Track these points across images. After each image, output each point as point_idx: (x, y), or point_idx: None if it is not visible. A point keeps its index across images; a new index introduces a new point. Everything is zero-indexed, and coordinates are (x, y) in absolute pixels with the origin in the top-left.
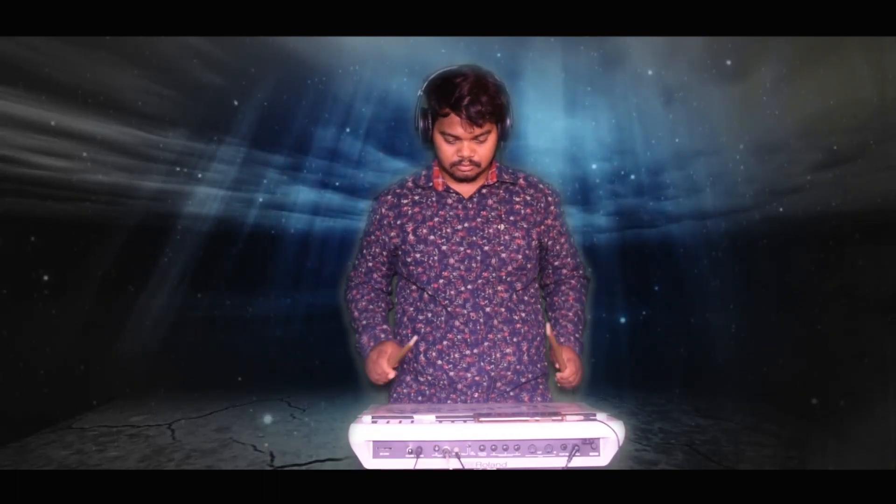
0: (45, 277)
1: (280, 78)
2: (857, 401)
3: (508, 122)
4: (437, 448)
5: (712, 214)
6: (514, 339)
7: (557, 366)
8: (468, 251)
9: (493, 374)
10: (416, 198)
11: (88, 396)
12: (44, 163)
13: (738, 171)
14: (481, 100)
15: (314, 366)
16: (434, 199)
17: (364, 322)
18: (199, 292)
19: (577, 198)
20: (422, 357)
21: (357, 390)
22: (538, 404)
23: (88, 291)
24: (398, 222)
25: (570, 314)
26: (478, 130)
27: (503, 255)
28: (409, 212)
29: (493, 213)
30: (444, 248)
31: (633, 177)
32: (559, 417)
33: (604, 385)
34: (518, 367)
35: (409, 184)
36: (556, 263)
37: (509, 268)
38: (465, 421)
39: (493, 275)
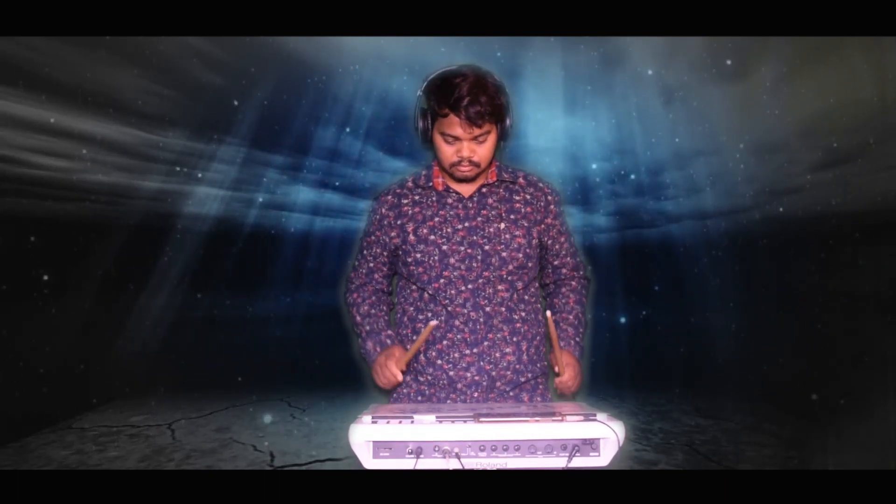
0: (45, 277)
1: (280, 78)
2: (857, 401)
3: (508, 122)
4: (437, 448)
5: (712, 214)
6: (514, 339)
7: (557, 370)
8: (469, 251)
9: (492, 373)
10: (417, 198)
11: (88, 396)
12: (44, 163)
13: (738, 171)
14: (481, 100)
15: (314, 366)
16: (434, 198)
17: (368, 328)
18: (199, 292)
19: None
20: (421, 357)
21: (357, 390)
22: (538, 404)
23: (88, 291)
24: (398, 222)
25: (571, 317)
26: (477, 131)
27: (504, 254)
28: (410, 212)
29: (493, 213)
30: (444, 247)
31: (633, 177)
32: (559, 418)
33: (604, 385)
34: (518, 366)
35: (409, 184)
36: (556, 263)
37: (510, 267)
38: (465, 421)
39: (494, 274)
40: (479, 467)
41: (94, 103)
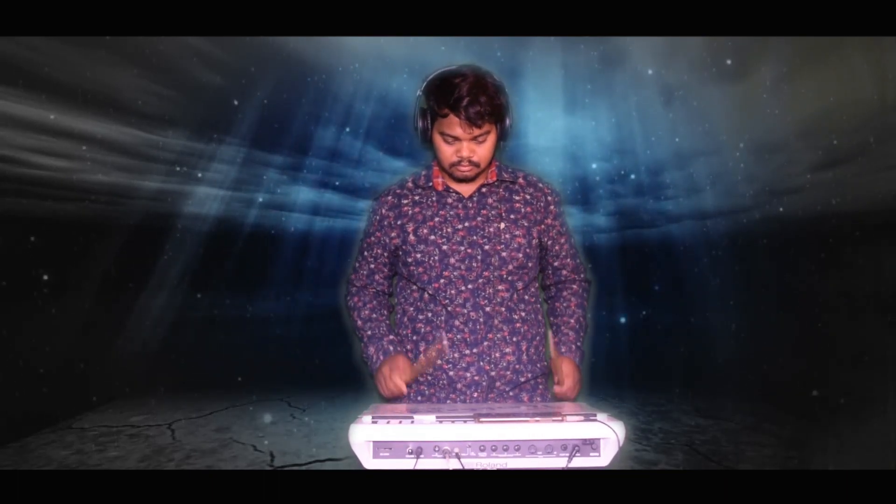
0: (45, 277)
1: (280, 77)
2: (857, 401)
3: (508, 122)
4: (437, 448)
5: (712, 214)
6: (514, 339)
7: (556, 379)
8: (469, 250)
9: (492, 373)
10: (416, 198)
11: (88, 396)
12: (44, 163)
13: (738, 170)
14: (480, 100)
15: (314, 366)
16: (434, 198)
17: (369, 332)
18: (199, 292)
19: (577, 197)
20: (421, 357)
21: (357, 390)
22: (538, 404)
23: (88, 291)
24: (398, 223)
25: (572, 321)
26: (477, 131)
27: (504, 253)
28: (410, 212)
29: (493, 212)
30: (444, 247)
31: (633, 176)
32: (559, 418)
33: (604, 385)
34: (517, 366)
35: (409, 184)
36: (556, 264)
37: (510, 267)
38: (465, 421)
39: (494, 274)
40: (479, 467)
41: (94, 103)
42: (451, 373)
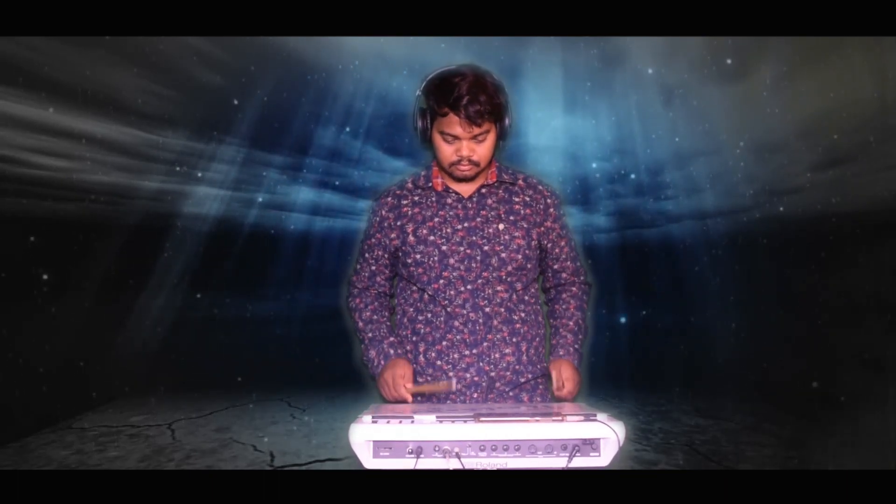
0: (45, 277)
1: (280, 77)
2: (857, 401)
3: (507, 121)
4: (437, 448)
5: (712, 214)
6: (514, 340)
7: (556, 385)
8: (468, 251)
9: (492, 374)
10: (416, 198)
11: (88, 396)
12: (44, 163)
13: (738, 170)
14: (480, 99)
15: (314, 366)
16: (434, 199)
17: (370, 335)
18: (199, 292)
19: (577, 197)
20: (421, 357)
21: (357, 390)
22: (538, 404)
23: (88, 291)
24: (398, 223)
25: (571, 323)
26: (476, 130)
27: (503, 254)
28: (409, 213)
29: (492, 213)
30: (444, 248)
31: (633, 176)
32: (559, 418)
33: (604, 385)
34: (517, 367)
35: (409, 184)
36: (556, 267)
37: (509, 268)
38: (465, 421)
39: (493, 275)
40: (480, 467)
41: (94, 103)
42: (451, 373)
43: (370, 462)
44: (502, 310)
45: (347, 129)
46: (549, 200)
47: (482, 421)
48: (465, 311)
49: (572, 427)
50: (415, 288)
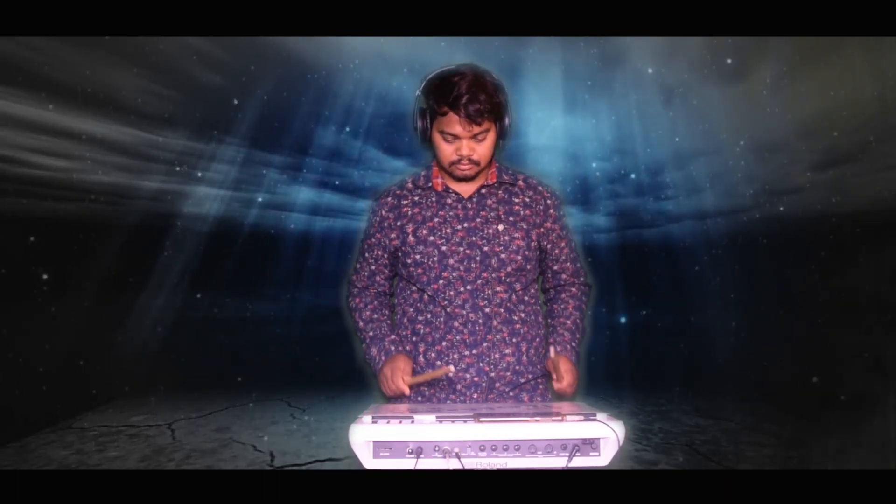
0: (45, 277)
1: (280, 77)
2: (857, 401)
3: (507, 120)
4: (437, 448)
5: (712, 214)
6: (514, 340)
7: (555, 377)
8: (468, 251)
9: (492, 374)
10: (416, 198)
11: (88, 396)
12: (44, 163)
13: (738, 170)
14: (479, 98)
15: (314, 366)
16: (433, 199)
17: (371, 333)
18: (199, 292)
19: (577, 197)
20: (421, 358)
21: (357, 390)
22: (538, 404)
23: (88, 291)
24: (398, 223)
25: (569, 322)
26: (476, 129)
27: (502, 255)
28: (409, 213)
29: (492, 214)
30: (443, 248)
31: (633, 176)
32: (559, 417)
33: (604, 385)
34: (517, 367)
35: (409, 185)
36: (556, 268)
37: (508, 268)
38: (465, 421)
39: (493, 275)
40: (479, 467)
41: (94, 103)
42: (450, 374)
43: (370, 462)
44: (502, 310)
45: (347, 128)
46: (549, 201)
47: (482, 421)
48: (464, 312)
49: (572, 427)
50: (414, 288)
